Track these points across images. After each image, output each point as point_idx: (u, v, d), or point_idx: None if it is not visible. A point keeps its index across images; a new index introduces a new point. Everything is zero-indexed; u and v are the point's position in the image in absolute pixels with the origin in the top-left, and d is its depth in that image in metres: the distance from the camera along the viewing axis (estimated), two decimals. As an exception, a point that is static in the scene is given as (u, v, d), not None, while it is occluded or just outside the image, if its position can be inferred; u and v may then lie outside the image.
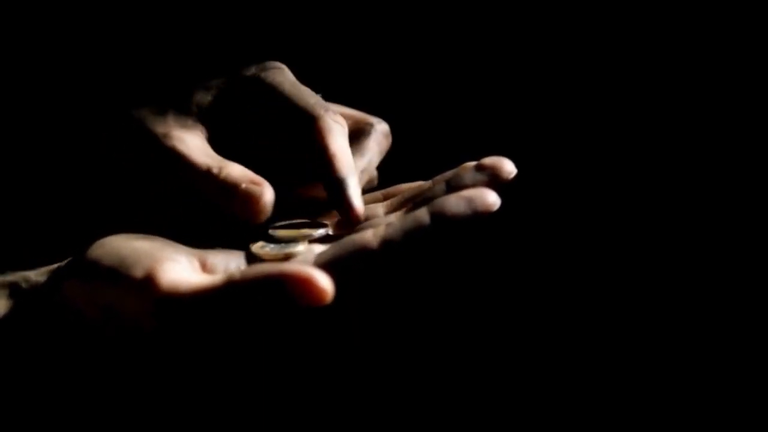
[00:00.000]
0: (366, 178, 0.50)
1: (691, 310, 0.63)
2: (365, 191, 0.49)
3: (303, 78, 0.49)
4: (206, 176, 0.44)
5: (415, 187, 0.46)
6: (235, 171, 0.44)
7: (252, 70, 0.48)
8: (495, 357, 0.60)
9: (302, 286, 0.33)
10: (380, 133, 0.51)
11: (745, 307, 0.63)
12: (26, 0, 0.57)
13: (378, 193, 0.48)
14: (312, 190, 0.49)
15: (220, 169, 0.44)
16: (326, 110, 0.46)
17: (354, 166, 0.45)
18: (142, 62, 0.58)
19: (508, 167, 0.40)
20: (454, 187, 0.40)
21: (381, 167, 0.53)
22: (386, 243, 0.37)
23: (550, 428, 0.60)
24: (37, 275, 0.43)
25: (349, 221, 0.43)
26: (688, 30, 0.64)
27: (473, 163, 0.42)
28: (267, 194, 0.42)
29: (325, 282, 0.33)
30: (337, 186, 0.43)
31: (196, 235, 0.44)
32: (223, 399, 0.49)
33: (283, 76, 0.48)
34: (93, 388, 0.42)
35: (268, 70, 0.48)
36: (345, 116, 0.50)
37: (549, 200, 0.63)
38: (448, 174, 0.44)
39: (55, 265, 0.43)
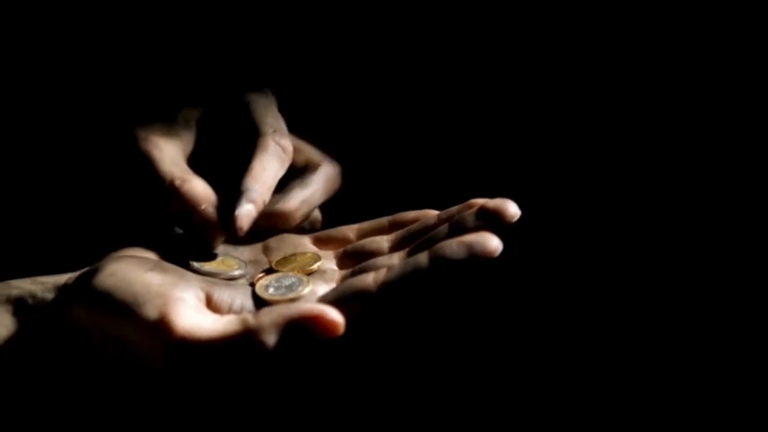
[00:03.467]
0: (305, 209, 0.51)
1: (691, 314, 0.63)
2: (305, 229, 0.52)
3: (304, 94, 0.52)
4: (169, 187, 0.47)
5: (420, 218, 0.46)
6: (197, 187, 0.47)
7: (237, 92, 0.51)
8: (495, 383, 0.60)
9: (316, 322, 0.35)
10: (327, 172, 0.53)
11: (745, 307, 0.63)
12: (28, 8, 0.58)
13: (384, 220, 0.48)
14: None
15: (183, 181, 0.47)
16: (273, 132, 0.49)
17: (266, 184, 0.47)
18: (138, 72, 0.58)
19: (512, 210, 0.40)
20: (457, 229, 0.40)
21: (389, 186, 0.53)
22: (385, 286, 0.38)
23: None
24: (43, 291, 0.43)
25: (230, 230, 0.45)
26: (687, 32, 0.63)
27: (479, 201, 0.42)
28: (219, 229, 0.46)
29: (336, 315, 0.35)
30: (238, 195, 0.46)
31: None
32: (228, 408, 0.50)
33: (262, 100, 0.51)
34: (97, 406, 0.43)
35: (252, 93, 0.51)
36: (300, 151, 0.52)
37: (549, 227, 0.62)
38: (453, 210, 0.44)
39: (63, 281, 0.43)
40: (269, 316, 0.36)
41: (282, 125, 0.50)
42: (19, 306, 0.43)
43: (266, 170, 0.47)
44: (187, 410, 0.46)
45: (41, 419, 0.43)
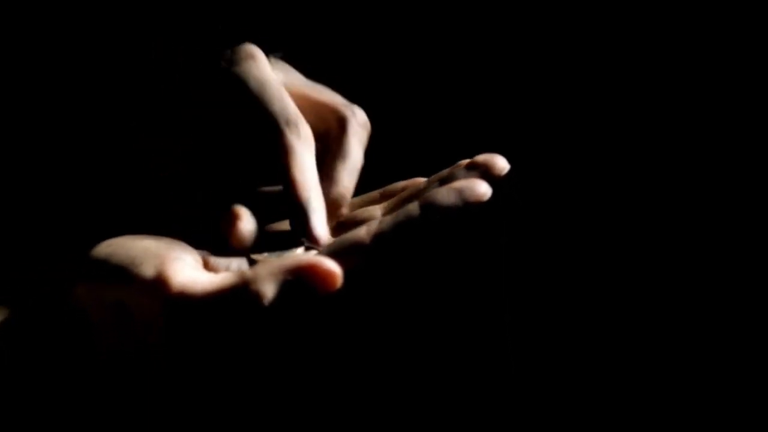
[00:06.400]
0: (353, 181, 0.47)
1: (691, 311, 0.63)
2: (357, 193, 0.49)
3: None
4: None
5: (411, 186, 0.47)
6: None
7: (223, 61, 0.46)
8: (491, 353, 0.59)
9: (313, 272, 0.35)
10: (358, 126, 0.48)
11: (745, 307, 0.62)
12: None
13: (375, 193, 0.49)
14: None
15: None
16: (289, 124, 0.44)
17: (317, 186, 0.44)
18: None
19: (501, 163, 0.41)
20: (446, 182, 0.41)
21: (377, 166, 0.53)
22: (378, 237, 0.38)
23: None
24: (42, 278, 0.44)
25: (312, 247, 0.42)
26: (687, 30, 0.64)
27: (468, 161, 0.43)
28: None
29: (333, 265, 0.35)
30: (299, 212, 0.43)
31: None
32: (228, 399, 0.49)
33: (253, 70, 0.45)
34: (98, 392, 0.42)
35: (239, 61, 0.45)
36: (315, 104, 0.48)
37: (544, 197, 0.62)
38: (444, 173, 0.44)
39: (60, 268, 0.44)
40: (266, 268, 0.36)
41: (289, 106, 0.45)
42: (18, 293, 0.43)
43: (308, 176, 0.43)
44: (187, 397, 0.46)
45: (40, 412, 0.43)
